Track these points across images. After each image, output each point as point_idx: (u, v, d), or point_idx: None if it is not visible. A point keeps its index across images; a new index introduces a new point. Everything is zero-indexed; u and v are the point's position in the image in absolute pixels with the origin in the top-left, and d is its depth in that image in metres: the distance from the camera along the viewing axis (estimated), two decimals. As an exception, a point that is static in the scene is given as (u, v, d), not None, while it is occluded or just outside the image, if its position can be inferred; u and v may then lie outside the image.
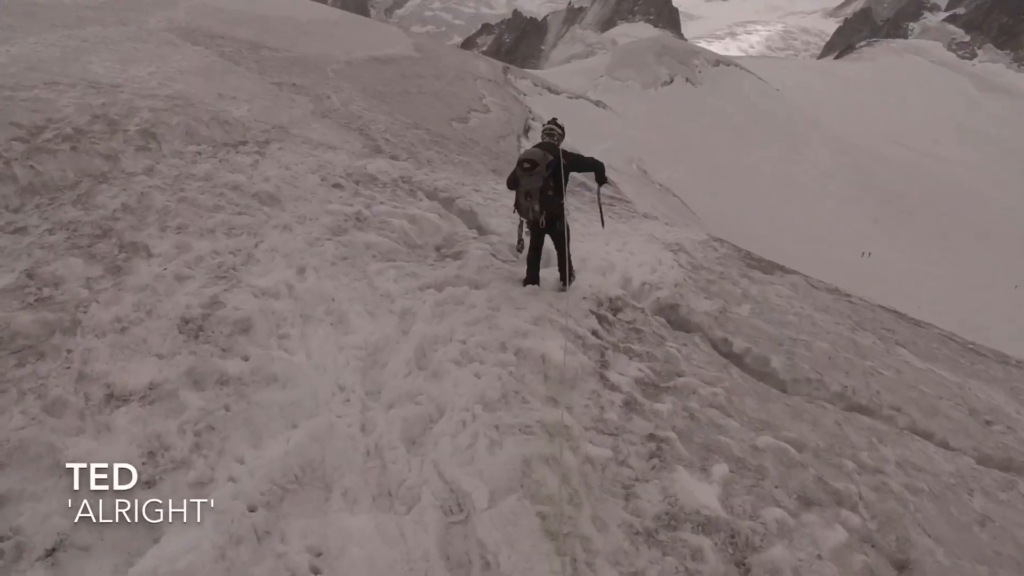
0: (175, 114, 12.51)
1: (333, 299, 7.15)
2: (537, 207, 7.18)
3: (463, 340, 6.52)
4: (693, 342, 7.85)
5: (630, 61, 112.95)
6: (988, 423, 7.52)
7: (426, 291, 7.80)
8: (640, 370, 6.57)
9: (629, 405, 5.89)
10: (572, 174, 7.53)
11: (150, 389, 4.96)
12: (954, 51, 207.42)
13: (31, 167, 8.64)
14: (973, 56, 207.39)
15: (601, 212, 8.78)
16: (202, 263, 7.17)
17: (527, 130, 47.48)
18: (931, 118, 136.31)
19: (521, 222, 7.91)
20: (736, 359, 7.78)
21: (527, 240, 8.06)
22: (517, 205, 7.49)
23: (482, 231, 11.20)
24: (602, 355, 6.73)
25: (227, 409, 4.91)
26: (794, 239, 62.85)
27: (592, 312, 7.76)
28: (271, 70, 23.64)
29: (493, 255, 9.56)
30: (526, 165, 7.13)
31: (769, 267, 13.40)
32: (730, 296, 9.76)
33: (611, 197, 22.94)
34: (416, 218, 10.28)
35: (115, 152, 10.05)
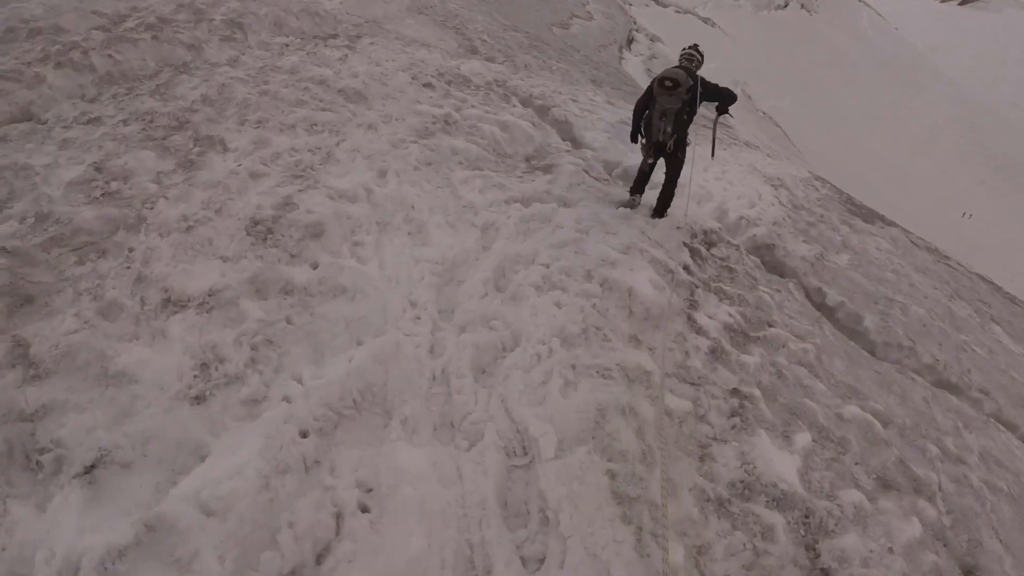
0: (264, 3, 12.04)
1: (413, 207, 6.73)
2: (670, 129, 6.90)
3: (547, 264, 6.02)
4: (787, 288, 7.41)
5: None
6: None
7: (512, 205, 7.31)
8: (730, 315, 6.12)
9: (715, 353, 5.45)
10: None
11: (209, 296, 4.67)
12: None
13: (110, 56, 8.29)
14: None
15: (714, 142, 8.09)
16: (279, 160, 6.82)
17: (630, 41, 45.73)
18: None
19: (642, 143, 7.40)
20: (828, 312, 7.37)
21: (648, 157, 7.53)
22: (648, 124, 7.13)
23: (576, 144, 10.57)
24: (692, 293, 6.26)
25: (289, 322, 4.61)
26: (896, 188, 59.63)
27: (685, 244, 7.24)
28: (369, -40, 22.73)
29: (586, 171, 8.98)
30: (668, 83, 6.74)
31: (870, 215, 12.93)
32: (829, 242, 9.33)
33: (712, 120, 21.54)
34: (508, 125, 9.68)
35: (199, 41, 9.67)
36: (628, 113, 13.55)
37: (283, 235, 5.48)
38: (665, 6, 67.81)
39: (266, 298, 4.77)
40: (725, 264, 7.23)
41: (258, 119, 7.65)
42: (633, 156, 9.65)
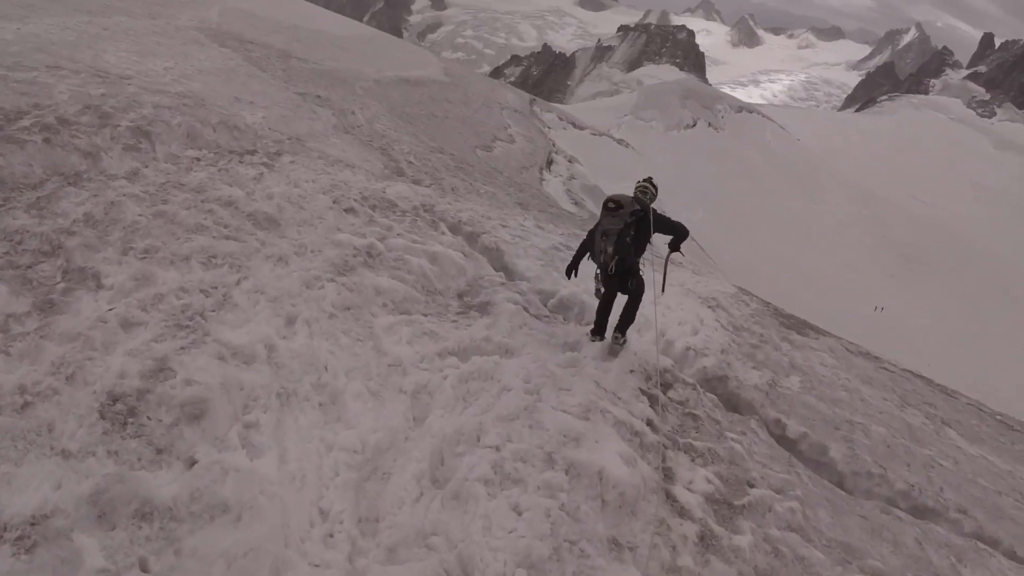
0: (180, 113, 11.02)
1: (327, 368, 5.51)
2: (611, 249, 6.79)
3: (496, 445, 4.89)
4: (751, 428, 7.09)
5: (655, 102, 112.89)
6: (1053, 525, 6.96)
7: (447, 359, 6.27)
8: (709, 480, 5.63)
9: (704, 541, 4.82)
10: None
11: (32, 524, 3.27)
12: (974, 108, 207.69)
13: (-9, 158, 7.09)
14: (992, 114, 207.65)
15: (664, 278, 7.98)
16: (162, 304, 5.49)
17: (550, 163, 46.88)
18: (949, 174, 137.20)
19: (597, 272, 7.23)
20: (790, 445, 7.21)
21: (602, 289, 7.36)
22: (590, 247, 7.20)
23: (509, 274, 9.88)
24: (663, 459, 5.68)
25: (143, 569, 3.25)
26: (810, 289, 62.71)
27: (642, 391, 6.76)
28: (297, 80, 22.32)
29: (525, 308, 8.21)
30: (611, 205, 6.79)
31: (801, 326, 13.13)
32: (777, 365, 9.26)
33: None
34: (437, 256, 8.74)
35: (97, 149, 8.47)
36: (558, 238, 13.32)
37: (150, 418, 4.11)
38: (581, 129, 70.42)
39: (113, 526, 3.40)
40: (686, 410, 6.90)
41: (146, 248, 6.38)
42: (567, 286, 9.35)
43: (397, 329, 6.56)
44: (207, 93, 14.37)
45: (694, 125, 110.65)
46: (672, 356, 8.39)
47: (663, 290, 8.05)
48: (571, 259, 7.54)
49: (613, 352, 7.22)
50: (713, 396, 7.54)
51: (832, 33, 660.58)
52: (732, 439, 6.54)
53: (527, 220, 14.56)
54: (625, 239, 6.79)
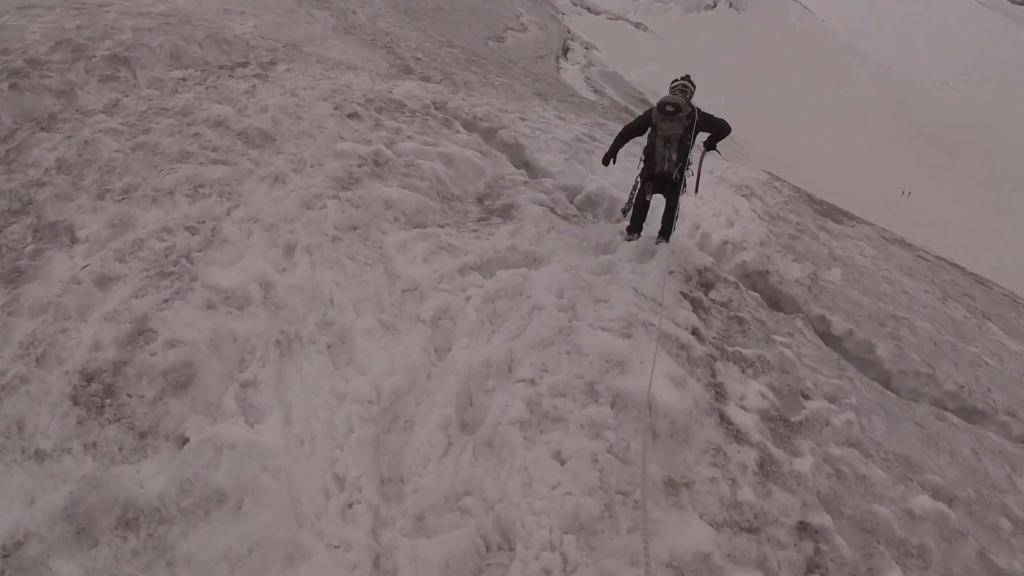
0: (162, 33, 10.19)
1: (332, 302, 4.92)
2: (675, 156, 6.44)
3: (531, 379, 4.26)
4: (797, 328, 6.62)
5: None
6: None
7: (469, 275, 5.60)
8: (763, 395, 5.08)
9: (764, 468, 4.31)
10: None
11: (4, 556, 2.82)
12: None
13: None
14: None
15: (699, 177, 7.24)
16: (142, 251, 4.87)
17: (566, 51, 45.49)
18: (978, 61, 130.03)
19: (637, 180, 6.81)
20: (835, 343, 6.83)
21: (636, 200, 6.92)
22: (650, 153, 6.60)
23: (532, 171, 9.30)
24: (712, 374, 5.11)
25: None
26: (836, 174, 61.10)
27: (684, 295, 6.12)
28: (293, -20, 21.07)
29: (551, 209, 7.54)
30: (669, 108, 6.34)
31: (835, 213, 12.66)
32: (817, 257, 8.83)
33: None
34: (453, 158, 8.02)
35: (71, 86, 7.82)
36: (581, 128, 12.67)
37: (130, 395, 3.57)
38: (597, 13, 68.10)
39: (95, 542, 2.90)
40: (731, 313, 6.25)
41: (124, 187, 5.75)
42: (595, 179, 8.99)
43: (411, 246, 5.86)
44: (192, 8, 13.41)
45: (715, 6, 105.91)
46: (710, 251, 7.90)
47: (697, 190, 7.29)
48: (609, 147, 6.87)
49: (649, 251, 6.67)
50: (756, 294, 7.00)
51: None
52: (780, 342, 6.05)
53: (547, 111, 13.77)
54: (687, 144, 6.45)
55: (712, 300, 6.33)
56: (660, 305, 5.38)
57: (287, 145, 7.36)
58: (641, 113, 6.85)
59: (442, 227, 6.44)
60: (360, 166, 7.09)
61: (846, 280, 8.22)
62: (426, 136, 8.73)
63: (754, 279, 7.54)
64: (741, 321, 6.14)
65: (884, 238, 11.74)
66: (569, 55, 44.17)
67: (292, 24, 15.13)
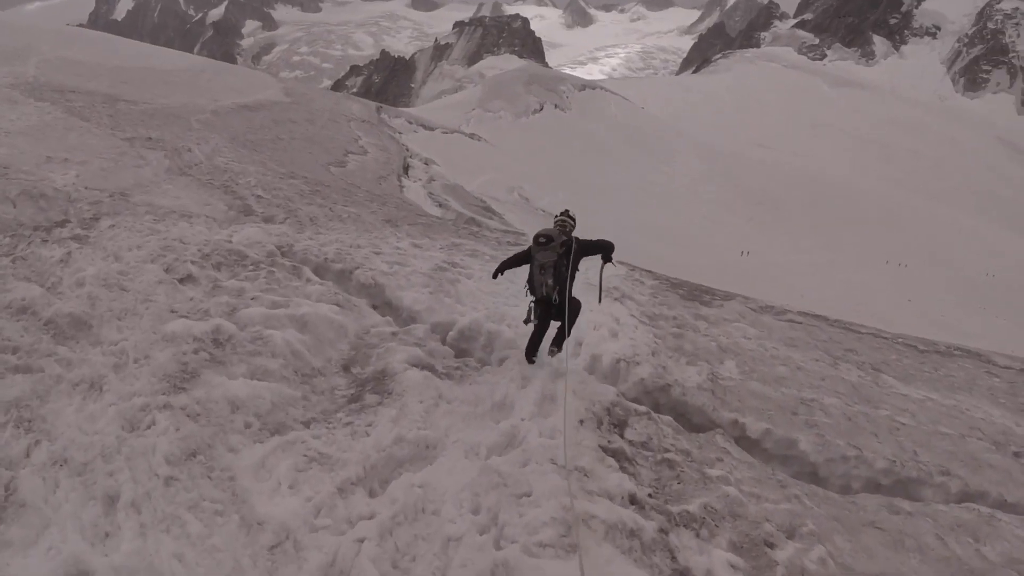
0: (-36, 192, 8.89)
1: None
2: (551, 281, 6.91)
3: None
4: (721, 449, 6.36)
5: (500, 92, 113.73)
6: (1017, 455, 7.01)
7: (353, 497, 4.54)
8: (731, 564, 4.67)
9: None
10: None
11: None
12: (805, 54, 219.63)
13: None
14: (823, 57, 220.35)
15: (600, 289, 8.04)
16: None
17: (407, 168, 45.92)
18: (789, 119, 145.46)
19: (531, 303, 7.27)
20: (755, 447, 6.65)
21: (533, 317, 7.36)
22: (530, 282, 7.17)
23: (396, 313, 8.70)
24: (672, 556, 4.63)
25: None
26: (678, 247, 64.62)
27: (604, 450, 5.68)
28: (125, 124, 20.16)
29: (431, 369, 6.79)
30: (542, 240, 7.01)
31: (700, 293, 13.04)
32: (708, 353, 8.78)
33: (506, 232, 21.61)
34: (307, 321, 7.13)
35: None
36: (439, 254, 12.41)
37: None
38: (432, 129, 69.87)
39: None
40: (658, 457, 5.91)
41: None
42: (465, 312, 8.69)
43: (271, 465, 4.73)
44: (12, 158, 12.34)
45: (541, 109, 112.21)
46: (603, 373, 7.64)
47: (600, 300, 8.09)
48: (499, 265, 7.49)
49: (548, 394, 6.60)
50: (668, 418, 6.74)
51: (661, 3, 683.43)
52: (716, 477, 5.75)
53: (401, 240, 13.18)
54: (562, 269, 6.92)
55: (632, 443, 5.99)
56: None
57: (107, 331, 6.20)
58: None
59: (307, 425, 5.37)
60: (197, 351, 5.96)
61: (742, 372, 8.20)
62: (273, 294, 7.82)
63: (656, 396, 7.31)
64: (671, 464, 5.80)
65: (752, 310, 12.02)
66: (410, 172, 44.60)
67: (120, 170, 14.02)
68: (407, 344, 7.19)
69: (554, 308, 7.11)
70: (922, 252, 79.88)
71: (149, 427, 4.78)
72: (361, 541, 4.10)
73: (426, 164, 50.51)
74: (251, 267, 8.78)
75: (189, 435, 4.77)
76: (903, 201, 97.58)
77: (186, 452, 4.62)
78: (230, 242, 9.63)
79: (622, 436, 6.08)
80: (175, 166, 16.07)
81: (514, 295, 10.10)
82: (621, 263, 14.84)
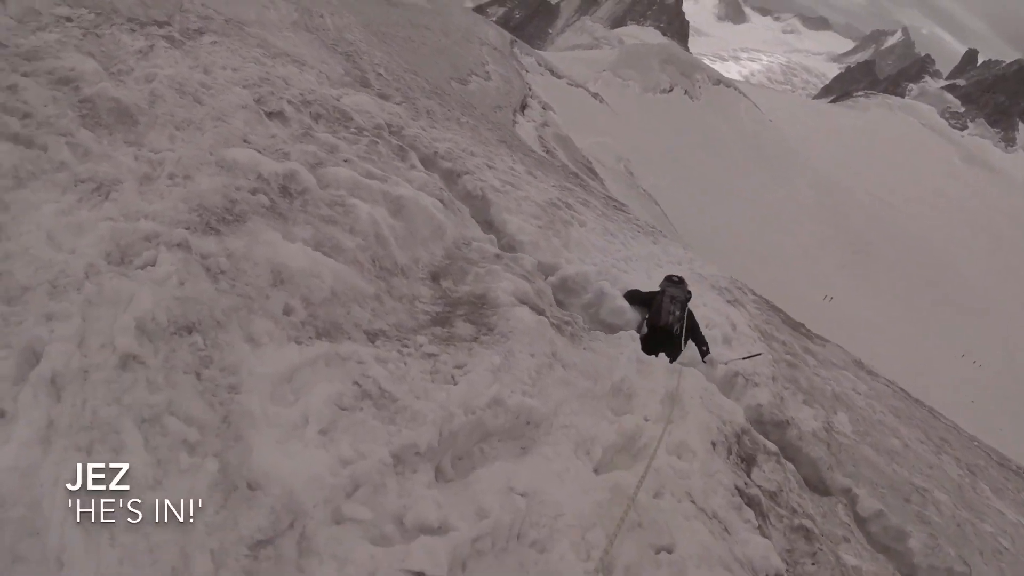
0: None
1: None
2: (679, 312, 6.98)
3: None
4: (846, 525, 5.55)
5: (635, 62, 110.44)
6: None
7: (413, 474, 2.84)
8: None
9: None
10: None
11: None
12: (947, 119, 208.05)
13: None
14: (964, 127, 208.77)
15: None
16: None
17: (524, 107, 44.83)
18: (912, 178, 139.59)
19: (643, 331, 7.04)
20: (862, 524, 5.79)
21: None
22: (656, 310, 7.04)
23: (499, 234, 7.43)
24: None
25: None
26: (766, 269, 63.22)
27: (740, 491, 4.30)
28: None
29: (541, 312, 5.13)
30: (675, 279, 7.46)
31: (794, 323, 12.78)
32: (823, 396, 8.22)
33: (609, 199, 20.24)
34: (404, 204, 5.50)
35: None
36: (553, 191, 11.37)
37: None
38: (559, 77, 68.41)
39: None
40: (793, 522, 4.73)
41: None
42: (572, 260, 7.70)
43: (303, 386, 3.00)
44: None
45: (671, 90, 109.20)
46: (716, 381, 6.66)
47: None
48: (626, 292, 7.47)
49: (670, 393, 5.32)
50: (792, 467, 5.78)
51: (818, 23, 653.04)
52: (852, 568, 4.67)
53: (516, 163, 11.86)
54: (687, 306, 7.11)
55: (764, 492, 4.76)
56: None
57: (154, 135, 4.61)
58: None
59: (372, 339, 3.69)
60: (255, 192, 4.31)
61: (856, 432, 7.65)
62: (371, 164, 6.24)
63: (769, 430, 6.47)
64: (807, 535, 4.65)
65: (854, 362, 11.70)
66: (526, 111, 43.57)
67: (246, 3, 12.62)
68: (514, 273, 5.56)
69: (668, 341, 6.81)
70: (1001, 351, 76.00)
71: (143, 267, 3.09)
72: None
73: (543, 108, 49.26)
74: (354, 130, 7.32)
75: (194, 297, 3.04)
76: (999, 295, 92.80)
77: (177, 322, 2.87)
78: (338, 101, 8.22)
79: (749, 475, 4.92)
80: (302, 22, 14.80)
81: (625, 259, 9.33)
82: (728, 276, 13.67)
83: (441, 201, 6.39)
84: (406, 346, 3.61)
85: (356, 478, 2.49)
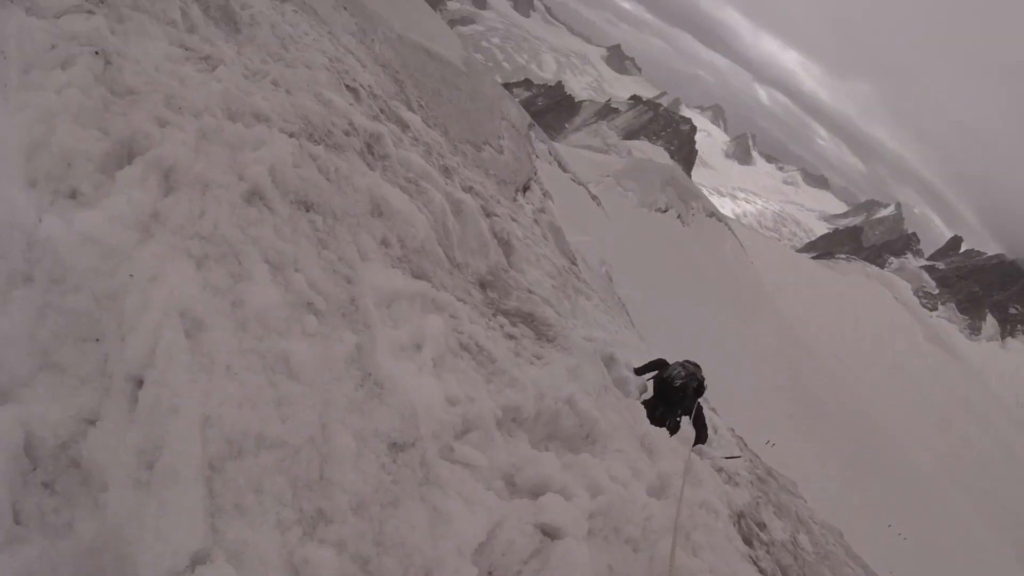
0: None
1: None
2: (684, 374, 6.90)
3: None
4: None
5: (638, 176, 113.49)
6: None
7: (512, 437, 2.65)
8: None
9: None
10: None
11: None
12: (920, 297, 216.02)
13: None
14: (935, 308, 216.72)
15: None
16: None
17: (526, 188, 45.20)
18: (874, 346, 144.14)
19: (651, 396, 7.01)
20: None
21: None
22: (665, 367, 7.20)
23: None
24: None
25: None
26: (716, 403, 62.98)
27: (752, 561, 4.56)
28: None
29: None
30: (692, 362, 7.37)
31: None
32: (787, 512, 8.19)
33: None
34: (463, 209, 5.30)
35: None
36: (562, 260, 11.62)
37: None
38: (565, 171, 69.80)
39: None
40: None
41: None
42: (576, 326, 7.69)
43: (407, 314, 2.79)
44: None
45: (666, 211, 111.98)
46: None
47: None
48: (637, 367, 7.51)
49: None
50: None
51: (818, 181, 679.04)
52: None
53: (534, 227, 11.71)
54: (693, 384, 6.90)
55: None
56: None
57: (251, 51, 4.40)
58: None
59: (460, 299, 3.51)
60: (347, 134, 4.13)
61: (816, 554, 7.66)
62: (431, 164, 6.15)
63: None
64: None
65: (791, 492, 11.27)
66: (527, 194, 44.10)
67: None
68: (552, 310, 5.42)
69: (679, 401, 6.86)
70: (927, 528, 77.63)
71: (257, 146, 2.70)
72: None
73: (544, 195, 49.91)
74: (412, 135, 7.39)
75: (310, 180, 2.77)
76: (937, 476, 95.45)
77: (297, 193, 2.60)
78: (390, 104, 8.21)
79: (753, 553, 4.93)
80: (359, 34, 15.28)
81: (622, 343, 9.45)
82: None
83: (484, 210, 6.38)
84: (489, 320, 3.35)
85: (468, 420, 2.20)
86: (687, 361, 7.32)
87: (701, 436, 7.16)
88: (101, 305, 1.75)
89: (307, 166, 2.76)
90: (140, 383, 1.70)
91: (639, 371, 7.43)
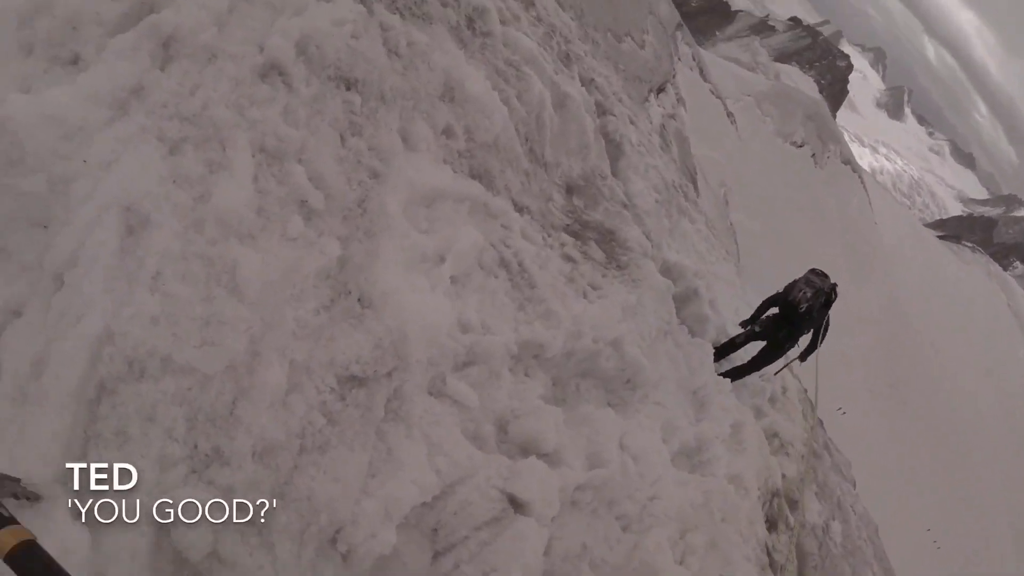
0: None
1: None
2: (810, 294, 6.47)
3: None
4: None
5: (781, 103, 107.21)
6: None
7: (526, 381, 2.28)
8: None
9: None
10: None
11: None
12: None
13: None
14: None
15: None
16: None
17: (660, 90, 43.57)
18: (972, 348, 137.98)
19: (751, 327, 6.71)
20: None
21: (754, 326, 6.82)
22: (790, 285, 6.73)
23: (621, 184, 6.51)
24: None
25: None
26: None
27: (768, 551, 4.20)
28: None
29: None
30: (819, 271, 6.90)
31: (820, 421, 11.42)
32: (830, 494, 8.03)
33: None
34: (566, 102, 4.91)
35: None
36: (673, 174, 10.58)
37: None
38: (706, 81, 66.53)
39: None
40: None
41: None
42: (669, 250, 6.96)
43: (444, 214, 2.45)
44: None
45: (801, 146, 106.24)
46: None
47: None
48: (753, 313, 7.00)
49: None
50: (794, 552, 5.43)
51: (966, 159, 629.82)
52: None
53: (653, 133, 11.07)
54: (821, 303, 6.61)
55: (776, 567, 4.32)
56: None
57: None
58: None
59: (519, 209, 3.15)
60: (445, 4, 3.66)
61: (844, 547, 7.38)
62: (544, 48, 5.65)
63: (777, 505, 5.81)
64: None
65: (852, 482, 11.12)
66: (661, 96, 42.34)
67: None
68: (637, 231, 5.02)
69: (799, 326, 6.60)
70: (969, 543, 75.50)
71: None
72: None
73: (677, 100, 47.87)
74: (534, 15, 6.71)
75: (365, 54, 2.42)
76: (1000, 494, 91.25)
77: (339, 67, 2.28)
78: None
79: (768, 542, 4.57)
80: None
81: (715, 275, 8.72)
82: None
83: (593, 116, 5.88)
84: (549, 235, 3.07)
85: (473, 352, 1.94)
86: (812, 272, 6.78)
87: (812, 345, 7.05)
88: (55, 190, 1.59)
89: (368, 37, 2.45)
90: (62, 283, 1.56)
91: (747, 322, 6.90)
